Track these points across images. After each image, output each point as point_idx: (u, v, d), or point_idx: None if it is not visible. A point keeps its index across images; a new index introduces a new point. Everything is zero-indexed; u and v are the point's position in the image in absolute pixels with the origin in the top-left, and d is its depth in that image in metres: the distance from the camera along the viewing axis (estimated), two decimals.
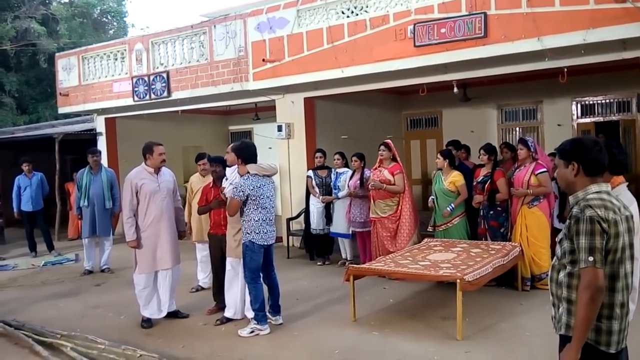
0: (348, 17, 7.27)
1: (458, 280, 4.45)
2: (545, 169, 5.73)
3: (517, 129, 10.71)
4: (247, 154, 4.83)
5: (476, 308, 5.16)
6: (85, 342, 4.52)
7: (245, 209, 4.77)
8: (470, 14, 6.27)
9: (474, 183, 6.19)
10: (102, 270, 7.83)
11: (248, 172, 4.76)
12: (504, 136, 10.67)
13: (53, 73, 12.09)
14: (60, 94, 11.18)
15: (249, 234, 4.77)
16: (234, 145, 5.03)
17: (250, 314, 4.93)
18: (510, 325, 4.84)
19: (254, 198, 4.72)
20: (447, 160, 6.31)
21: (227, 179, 5.14)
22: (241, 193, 4.68)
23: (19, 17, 18.22)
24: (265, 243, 4.87)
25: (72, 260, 8.84)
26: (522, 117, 10.71)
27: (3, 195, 10.04)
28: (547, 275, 5.65)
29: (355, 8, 7.23)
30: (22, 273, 8.12)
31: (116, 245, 8.05)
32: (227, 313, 5.15)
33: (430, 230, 6.49)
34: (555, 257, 2.41)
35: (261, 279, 4.94)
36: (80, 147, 10.31)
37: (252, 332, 4.80)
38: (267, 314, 4.98)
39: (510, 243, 5.74)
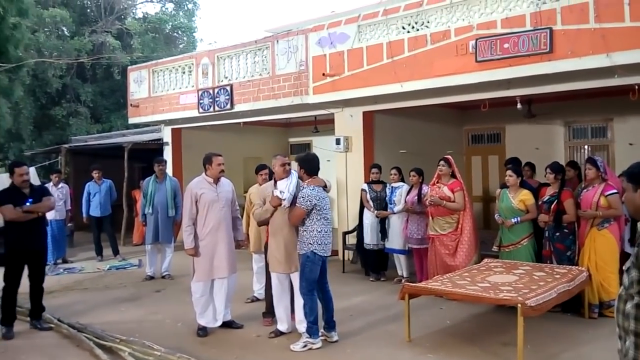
0: (409, 32, 7.21)
1: (519, 305, 4.25)
2: (615, 191, 5.41)
3: (586, 147, 10.19)
4: (312, 165, 4.90)
5: (538, 335, 4.92)
6: (143, 347, 4.66)
7: (308, 220, 4.79)
8: (535, 29, 6.06)
9: (540, 202, 5.92)
10: (163, 277, 8.08)
11: (311, 184, 4.82)
12: (572, 154, 10.18)
13: (125, 85, 12.73)
14: (131, 104, 11.75)
15: (311, 244, 4.78)
16: (299, 156, 5.06)
17: (302, 327, 4.92)
18: (575, 355, 4.59)
19: (318, 209, 4.76)
20: (520, 178, 6.09)
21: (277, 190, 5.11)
22: (308, 203, 4.72)
23: (96, 32, 19.39)
24: (325, 254, 4.89)
25: (135, 266, 9.20)
26: (591, 135, 10.19)
27: (74, 201, 10.61)
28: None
29: (416, 23, 7.17)
30: (87, 276, 8.53)
31: (177, 252, 8.29)
32: (281, 327, 5.17)
33: (495, 250, 6.23)
34: (622, 287, 2.25)
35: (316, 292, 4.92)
36: (147, 156, 10.76)
37: (305, 346, 4.78)
38: (322, 330, 4.95)
39: (577, 267, 5.45)
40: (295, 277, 4.98)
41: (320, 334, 4.88)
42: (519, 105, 7.30)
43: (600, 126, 10.04)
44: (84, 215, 9.78)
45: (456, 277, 5.34)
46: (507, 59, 6.25)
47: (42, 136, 18.35)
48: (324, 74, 8.06)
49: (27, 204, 5.45)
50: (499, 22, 6.35)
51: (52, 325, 5.60)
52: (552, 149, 10.01)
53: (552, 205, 5.75)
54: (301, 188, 4.85)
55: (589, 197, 5.54)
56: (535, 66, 6.10)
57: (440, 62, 6.81)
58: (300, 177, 4.96)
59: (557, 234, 5.76)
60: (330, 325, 4.99)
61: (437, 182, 6.57)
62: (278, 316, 5.18)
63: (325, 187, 4.99)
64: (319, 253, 4.80)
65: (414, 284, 5.42)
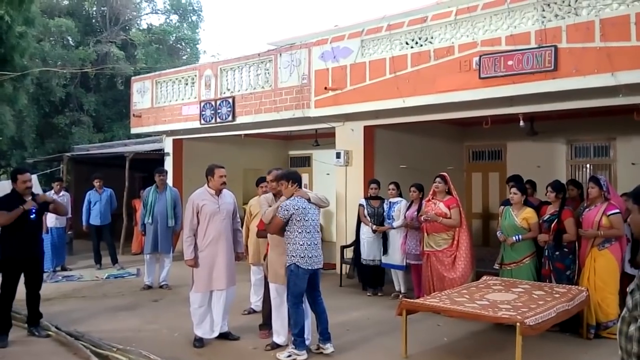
0: (412, 47, 7.26)
1: (518, 324, 4.23)
2: (618, 210, 5.40)
3: (588, 165, 10.20)
4: (297, 177, 4.99)
5: (536, 354, 4.87)
6: (139, 357, 4.63)
7: (289, 232, 4.82)
8: (540, 47, 6.10)
9: (540, 221, 5.91)
10: (161, 287, 8.06)
11: (293, 195, 4.86)
12: (573, 172, 10.19)
13: (128, 95, 12.80)
14: (133, 115, 11.80)
15: (293, 257, 4.80)
16: (283, 172, 5.11)
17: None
18: None
19: (298, 219, 4.77)
20: (524, 196, 6.09)
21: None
22: (285, 212, 4.76)
23: (101, 42, 19.56)
24: (311, 268, 4.85)
25: (133, 275, 9.17)
26: (594, 154, 10.21)
27: (74, 209, 10.61)
28: (614, 323, 5.32)
29: (419, 39, 7.22)
30: (86, 284, 8.50)
31: (175, 262, 8.26)
32: (277, 339, 5.14)
33: (497, 267, 6.20)
34: (625, 309, 2.23)
35: (304, 304, 4.91)
36: (148, 166, 10.78)
37: (289, 356, 4.79)
38: (318, 342, 4.94)
39: (576, 287, 5.42)
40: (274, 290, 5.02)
41: (306, 346, 4.89)
42: (521, 123, 7.32)
43: (603, 145, 10.06)
44: (84, 223, 9.78)
45: (454, 294, 5.31)
46: (511, 76, 6.28)
47: (44, 144, 18.42)
48: (326, 88, 8.11)
49: (32, 210, 5.45)
50: (503, 39, 6.40)
51: (50, 333, 5.57)
52: (553, 167, 10.02)
53: (552, 224, 5.73)
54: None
55: (590, 217, 5.52)
56: (539, 84, 6.13)
57: (443, 78, 6.85)
58: (286, 193, 4.96)
59: (557, 253, 5.74)
60: (324, 337, 4.97)
61: (433, 198, 6.57)
62: (275, 329, 5.15)
63: (309, 200, 4.97)
64: (302, 266, 4.79)
65: (411, 300, 5.39)
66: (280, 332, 5.13)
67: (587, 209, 5.65)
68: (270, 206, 5.06)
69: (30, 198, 5.52)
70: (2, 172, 19.30)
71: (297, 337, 4.82)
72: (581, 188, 6.63)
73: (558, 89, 6.09)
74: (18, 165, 15.92)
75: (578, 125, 9.50)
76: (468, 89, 6.66)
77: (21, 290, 5.55)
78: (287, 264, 4.84)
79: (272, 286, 5.14)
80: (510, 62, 6.28)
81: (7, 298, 5.40)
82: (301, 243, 4.79)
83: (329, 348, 4.96)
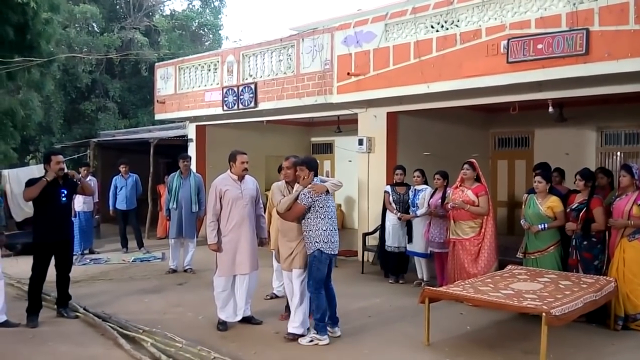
0: (437, 31, 7.12)
1: (544, 314, 4.16)
2: None
3: (619, 153, 9.92)
4: (315, 166, 4.99)
5: (561, 344, 4.80)
6: (165, 339, 4.73)
7: (310, 219, 4.83)
8: (571, 30, 5.91)
9: (568, 210, 5.79)
10: (185, 271, 8.18)
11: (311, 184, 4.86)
12: (603, 160, 9.92)
13: (152, 81, 12.91)
14: (157, 101, 11.90)
15: (317, 242, 4.82)
16: (304, 159, 5.07)
17: (291, 329, 4.98)
18: None
19: (321, 206, 4.83)
20: (549, 184, 5.98)
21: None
22: (309, 199, 4.77)
23: (125, 28, 19.72)
24: (333, 253, 4.92)
25: (158, 259, 9.33)
26: (625, 141, 9.91)
27: (101, 194, 10.81)
28: None
29: (445, 22, 7.07)
30: (113, 267, 8.68)
31: (199, 247, 8.35)
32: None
33: (520, 256, 6.12)
34: None
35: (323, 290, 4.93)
36: (173, 151, 10.90)
37: (311, 341, 4.84)
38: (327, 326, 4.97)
39: (604, 277, 5.31)
40: (295, 276, 4.99)
41: (326, 330, 4.92)
42: (550, 109, 7.14)
43: (634, 132, 9.75)
44: (111, 208, 9.98)
45: (478, 282, 5.25)
46: (540, 60, 6.10)
47: (71, 130, 18.72)
48: (348, 74, 8.02)
49: (62, 193, 5.56)
50: (533, 22, 6.21)
51: (78, 314, 5.72)
52: (582, 155, 9.78)
53: (581, 213, 5.61)
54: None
55: (621, 206, 5.38)
56: (570, 68, 5.95)
57: (469, 62, 6.71)
58: (304, 180, 4.92)
59: (585, 242, 5.63)
60: (333, 321, 5.06)
61: (460, 186, 6.48)
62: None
63: (327, 192, 4.97)
64: (325, 251, 4.85)
65: (435, 288, 5.35)
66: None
67: (618, 198, 5.51)
68: (283, 194, 5.05)
69: (61, 181, 5.63)
70: (31, 157, 19.72)
71: (319, 322, 4.86)
72: (611, 176, 6.46)
73: (589, 74, 5.91)
74: (48, 149, 16.25)
75: (609, 111, 9.24)
76: (495, 73, 6.51)
77: (51, 272, 5.69)
78: (310, 251, 4.85)
79: (284, 273, 5.16)
80: (539, 46, 6.11)
81: (38, 280, 5.55)
82: (324, 229, 4.83)
83: (337, 332, 5.05)
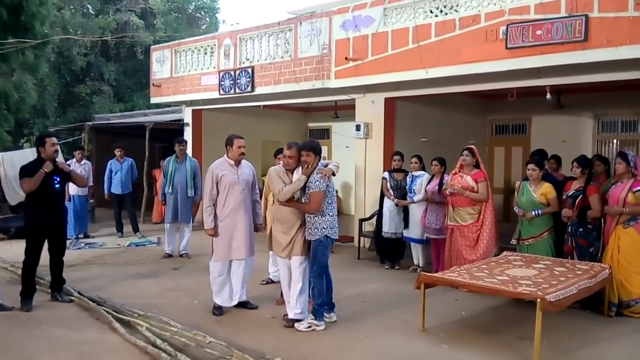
0: (436, 16, 7.05)
1: (539, 300, 4.17)
2: None
3: (615, 141, 9.94)
4: (320, 150, 4.96)
5: (556, 330, 4.83)
6: (160, 323, 4.72)
7: (323, 204, 4.81)
8: (570, 16, 5.87)
9: (564, 197, 5.79)
10: (181, 255, 8.17)
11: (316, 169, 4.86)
12: (600, 148, 9.94)
13: (148, 64, 12.78)
14: (153, 84, 11.79)
15: (324, 229, 4.82)
16: (311, 144, 4.96)
17: (291, 314, 4.97)
18: (592, 352, 4.50)
19: (329, 191, 4.84)
20: (542, 171, 5.99)
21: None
22: (324, 184, 4.76)
23: (120, 10, 19.47)
24: (336, 238, 4.97)
25: (154, 243, 9.32)
26: (621, 129, 9.92)
27: (96, 178, 10.75)
28: (636, 302, 5.27)
29: (444, 7, 7.01)
30: (108, 252, 8.66)
31: (195, 232, 8.33)
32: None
33: (514, 243, 6.14)
34: None
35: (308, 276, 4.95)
36: (168, 136, 10.83)
37: (309, 327, 4.85)
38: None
39: (599, 264, 5.33)
40: (297, 263, 4.94)
41: (323, 315, 4.95)
42: (548, 96, 7.12)
43: (631, 120, 9.76)
44: (106, 192, 9.94)
45: (474, 268, 5.27)
46: (539, 47, 6.08)
47: (66, 113, 18.59)
48: (346, 58, 7.96)
49: (55, 180, 5.51)
50: (532, 8, 6.17)
51: (73, 298, 5.71)
52: (579, 142, 9.80)
53: (577, 200, 5.62)
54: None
55: (616, 193, 5.38)
56: (569, 55, 5.93)
57: (468, 48, 6.67)
58: (311, 165, 4.85)
59: (581, 229, 5.64)
60: (330, 307, 5.09)
61: (459, 172, 6.47)
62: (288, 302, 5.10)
63: (333, 174, 4.95)
64: (331, 236, 4.89)
65: (430, 274, 5.37)
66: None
67: (614, 186, 5.52)
68: (283, 181, 4.95)
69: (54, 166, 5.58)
70: (25, 140, 19.60)
71: (319, 308, 4.87)
72: (608, 164, 6.47)
73: (588, 61, 5.90)
74: (42, 131, 16.15)
75: (606, 99, 9.23)
76: (494, 59, 6.48)
77: (45, 256, 5.66)
78: (315, 237, 4.83)
79: (279, 260, 5.12)
80: (538, 32, 6.08)
81: (32, 264, 5.52)
82: (331, 214, 4.86)
83: (333, 317, 5.08)
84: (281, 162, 6.33)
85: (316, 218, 4.83)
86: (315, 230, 4.84)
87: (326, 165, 4.96)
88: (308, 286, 4.97)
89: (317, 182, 4.76)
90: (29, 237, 5.52)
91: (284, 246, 4.97)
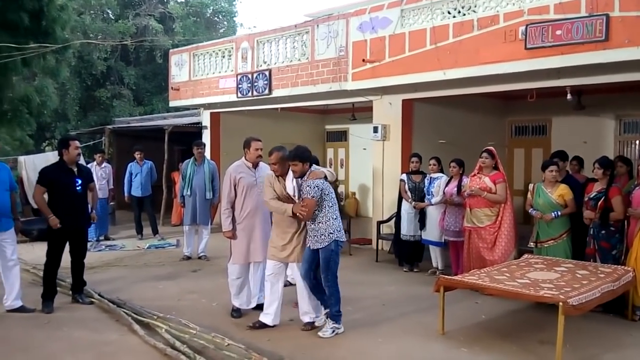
0: (454, 17, 7.00)
1: (561, 303, 4.11)
2: None
3: (637, 142, 9.74)
4: (309, 156, 4.81)
5: (578, 334, 4.75)
6: (179, 325, 4.75)
7: (319, 210, 4.68)
8: (591, 16, 5.78)
9: (586, 199, 5.70)
10: (200, 257, 8.23)
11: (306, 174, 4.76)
12: (622, 149, 9.76)
13: (167, 68, 12.91)
14: (172, 88, 11.91)
15: (332, 233, 4.69)
16: (296, 152, 4.77)
17: (306, 318, 4.96)
18: (617, 357, 4.43)
19: (327, 194, 4.69)
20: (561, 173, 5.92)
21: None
22: (317, 190, 4.62)
23: (139, 15, 19.70)
24: (344, 240, 4.89)
25: (173, 245, 9.40)
26: None
27: (116, 180, 10.89)
28: None
29: (462, 8, 6.95)
30: (128, 254, 8.76)
31: (213, 234, 8.38)
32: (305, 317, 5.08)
33: (532, 245, 6.07)
34: None
35: (305, 280, 4.86)
36: (187, 139, 10.91)
37: (333, 332, 4.80)
38: (313, 316, 4.96)
39: (622, 267, 5.22)
40: (296, 268, 4.92)
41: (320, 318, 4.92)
42: (569, 96, 7.03)
43: None
44: (126, 194, 10.04)
45: (494, 271, 5.20)
46: (559, 47, 5.99)
47: (87, 117, 18.87)
48: (364, 60, 7.95)
49: (77, 182, 5.59)
50: (552, 7, 6.09)
51: (93, 300, 5.78)
52: (601, 143, 9.63)
53: (599, 202, 5.52)
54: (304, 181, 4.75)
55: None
56: (589, 55, 5.84)
57: (486, 49, 6.60)
58: (300, 173, 4.75)
59: (603, 232, 5.54)
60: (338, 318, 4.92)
61: (478, 173, 6.41)
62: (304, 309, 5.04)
63: (326, 178, 4.86)
64: (340, 240, 4.78)
65: (450, 277, 5.32)
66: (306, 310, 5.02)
67: (637, 187, 5.42)
68: (273, 187, 4.90)
69: (76, 169, 5.67)
70: (46, 143, 19.94)
71: (339, 312, 4.84)
72: (630, 165, 6.35)
73: (609, 61, 5.80)
74: (63, 135, 16.42)
75: (628, 99, 9.05)
76: (513, 60, 6.40)
77: (66, 258, 5.74)
78: (325, 244, 4.69)
79: (270, 263, 4.98)
80: (558, 32, 5.99)
81: (53, 266, 5.61)
82: (334, 217, 4.74)
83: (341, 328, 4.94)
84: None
85: (320, 224, 4.69)
86: (322, 237, 4.69)
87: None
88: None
89: (309, 188, 4.64)
90: (51, 239, 5.60)
91: (279, 249, 4.91)
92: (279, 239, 4.96)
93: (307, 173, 4.74)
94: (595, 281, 4.72)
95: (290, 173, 4.84)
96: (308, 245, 4.81)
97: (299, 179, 4.78)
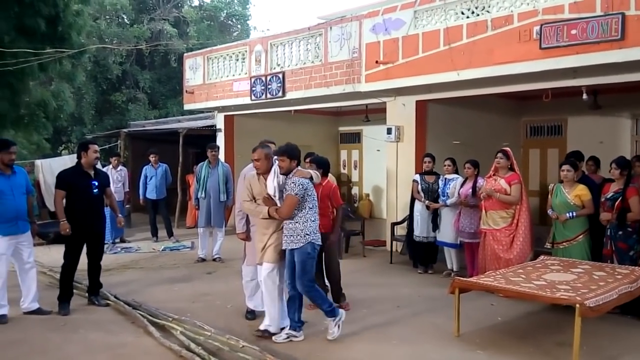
0: (468, 17, 6.97)
1: (578, 305, 4.06)
2: None
3: None
4: (297, 155, 4.72)
5: (595, 336, 4.69)
6: (194, 327, 4.79)
7: (298, 210, 4.57)
8: (606, 15, 5.71)
9: (602, 199, 5.63)
10: (214, 259, 8.27)
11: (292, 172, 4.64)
12: (639, 149, 9.61)
13: (181, 72, 13.01)
14: (186, 91, 12.01)
15: (308, 235, 4.56)
16: (285, 148, 4.67)
17: (287, 322, 4.81)
18: (635, 359, 4.34)
19: (309, 194, 4.59)
20: (577, 173, 5.85)
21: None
22: (301, 189, 4.52)
23: (154, 19, 19.93)
24: (320, 244, 4.78)
25: (188, 248, 9.46)
26: None
27: (131, 183, 11.01)
28: None
29: (476, 8, 6.92)
30: (143, 256, 8.84)
31: (228, 236, 8.40)
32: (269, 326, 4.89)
33: (548, 247, 6.01)
34: None
35: (282, 286, 4.76)
36: (201, 141, 10.99)
37: (337, 327, 4.72)
38: (288, 328, 4.78)
39: None
40: (266, 270, 4.76)
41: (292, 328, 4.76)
42: (584, 96, 6.95)
43: None
44: (141, 197, 10.13)
45: (510, 273, 5.16)
46: (574, 46, 5.93)
47: (102, 120, 19.10)
48: (377, 62, 7.93)
49: (94, 185, 5.67)
50: (566, 7, 6.03)
51: (109, 302, 5.84)
52: (617, 143, 9.51)
53: (616, 203, 5.45)
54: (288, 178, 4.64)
55: None
56: (605, 54, 5.77)
57: (501, 49, 6.55)
58: (286, 170, 4.65)
59: (620, 232, 5.47)
60: (302, 324, 4.82)
61: (494, 175, 6.37)
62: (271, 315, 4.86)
63: (311, 179, 4.75)
64: (316, 242, 4.65)
65: (465, 279, 5.28)
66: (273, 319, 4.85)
67: None
68: (250, 188, 4.80)
69: (93, 173, 5.74)
70: (63, 147, 20.21)
71: (330, 307, 4.72)
72: None
73: (625, 60, 5.72)
74: (79, 140, 16.63)
75: None
76: (528, 60, 6.35)
77: (82, 261, 5.81)
78: (300, 245, 4.56)
79: (261, 267, 4.84)
80: (573, 31, 5.93)
81: (70, 268, 5.67)
82: (312, 219, 4.62)
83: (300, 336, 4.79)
84: (308, 165, 6.40)
85: (297, 224, 4.56)
86: (298, 237, 4.56)
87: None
88: (282, 297, 4.81)
89: (292, 185, 4.53)
90: (68, 242, 5.67)
91: (259, 252, 4.82)
92: (259, 243, 4.85)
93: (294, 171, 4.66)
94: (612, 282, 4.65)
95: (272, 172, 4.73)
96: (284, 247, 4.67)
97: (284, 177, 4.67)
